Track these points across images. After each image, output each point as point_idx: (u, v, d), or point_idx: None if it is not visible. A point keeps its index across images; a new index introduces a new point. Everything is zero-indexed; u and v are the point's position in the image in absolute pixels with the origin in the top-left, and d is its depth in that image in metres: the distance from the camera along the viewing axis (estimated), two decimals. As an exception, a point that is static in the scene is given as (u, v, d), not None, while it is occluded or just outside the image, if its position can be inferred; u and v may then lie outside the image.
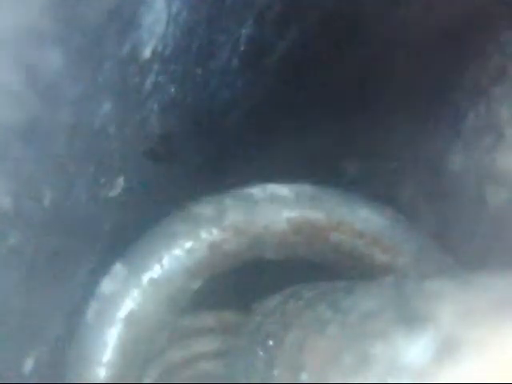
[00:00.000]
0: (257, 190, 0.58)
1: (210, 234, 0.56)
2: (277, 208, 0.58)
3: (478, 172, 0.60)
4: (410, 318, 0.35)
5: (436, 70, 0.66)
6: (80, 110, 0.41)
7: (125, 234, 0.56)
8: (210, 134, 0.62)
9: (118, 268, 0.55)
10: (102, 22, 0.38)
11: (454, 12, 0.63)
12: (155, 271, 0.55)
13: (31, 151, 0.39)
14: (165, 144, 0.54)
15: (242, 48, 0.56)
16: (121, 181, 0.52)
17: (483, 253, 0.60)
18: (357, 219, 0.59)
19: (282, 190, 0.59)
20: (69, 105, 0.40)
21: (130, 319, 0.54)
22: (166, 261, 0.55)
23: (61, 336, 0.53)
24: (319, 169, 0.66)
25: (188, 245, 0.56)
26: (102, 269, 0.55)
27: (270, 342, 0.48)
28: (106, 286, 0.54)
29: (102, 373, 0.53)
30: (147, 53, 0.45)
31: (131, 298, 0.54)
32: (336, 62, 0.66)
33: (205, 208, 0.57)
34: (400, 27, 0.65)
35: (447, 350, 0.32)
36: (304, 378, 0.41)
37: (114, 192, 0.52)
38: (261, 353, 0.49)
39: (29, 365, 0.50)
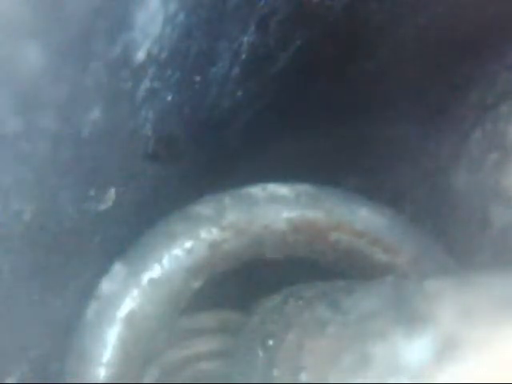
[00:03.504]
0: (257, 190, 0.58)
1: (209, 234, 0.56)
2: (277, 208, 0.58)
3: (482, 190, 0.60)
4: (410, 318, 0.35)
5: (442, 86, 0.65)
6: (65, 115, 0.38)
7: (124, 235, 0.55)
8: (209, 137, 0.61)
9: (118, 268, 0.55)
10: (88, 18, 0.35)
11: (461, 28, 0.62)
12: (155, 271, 0.55)
13: (8, 160, 0.36)
14: (162, 147, 0.53)
15: (244, 56, 0.55)
16: (112, 193, 0.49)
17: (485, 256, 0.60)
18: (357, 219, 0.59)
19: (282, 189, 0.59)
20: (51, 109, 0.37)
21: (130, 319, 0.54)
22: (165, 261, 0.55)
23: (45, 355, 0.52)
24: (319, 169, 0.66)
25: (188, 245, 0.55)
26: (101, 269, 0.54)
27: (270, 342, 0.48)
28: (106, 285, 0.54)
29: (101, 372, 0.53)
30: (141, 55, 0.42)
31: (131, 297, 0.54)
32: (339, 73, 0.65)
33: (205, 208, 0.57)
34: (405, 42, 0.64)
35: (447, 350, 0.32)
36: (304, 378, 0.42)
37: (105, 205, 0.49)
38: (261, 353, 0.49)
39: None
